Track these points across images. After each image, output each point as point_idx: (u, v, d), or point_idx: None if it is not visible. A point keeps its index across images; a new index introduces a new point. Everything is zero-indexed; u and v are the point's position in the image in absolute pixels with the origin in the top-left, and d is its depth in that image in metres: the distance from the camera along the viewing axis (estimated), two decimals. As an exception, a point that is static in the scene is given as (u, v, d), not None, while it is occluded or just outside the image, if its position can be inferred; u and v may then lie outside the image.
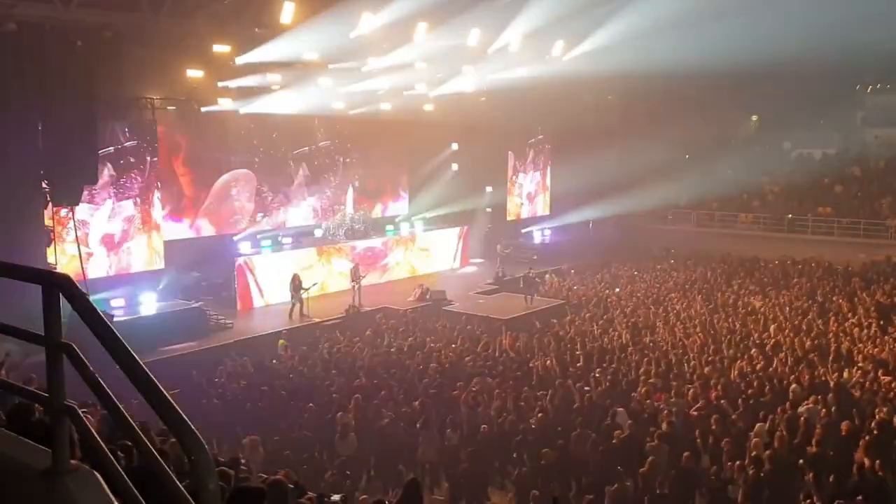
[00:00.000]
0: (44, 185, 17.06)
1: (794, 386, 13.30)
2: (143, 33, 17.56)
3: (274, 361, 16.81)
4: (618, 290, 24.18)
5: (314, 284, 22.39)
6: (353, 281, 23.04)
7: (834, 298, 21.10)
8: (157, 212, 21.31)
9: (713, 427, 11.73)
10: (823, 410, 12.20)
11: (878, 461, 9.94)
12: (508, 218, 33.18)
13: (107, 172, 19.57)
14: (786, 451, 10.76)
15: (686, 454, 10.79)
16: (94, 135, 17.09)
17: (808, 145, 37.89)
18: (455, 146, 30.87)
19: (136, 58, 17.66)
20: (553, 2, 19.49)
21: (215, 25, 18.87)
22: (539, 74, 24.23)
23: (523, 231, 32.61)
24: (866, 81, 37.67)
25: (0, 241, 14.98)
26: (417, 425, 12.50)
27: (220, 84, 20.81)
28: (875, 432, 11.03)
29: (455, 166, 30.84)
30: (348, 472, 11.47)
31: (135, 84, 19.03)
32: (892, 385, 13.35)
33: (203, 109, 21.21)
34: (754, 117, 40.34)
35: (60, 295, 2.72)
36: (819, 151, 36.92)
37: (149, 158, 20.76)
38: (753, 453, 10.74)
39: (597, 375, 14.58)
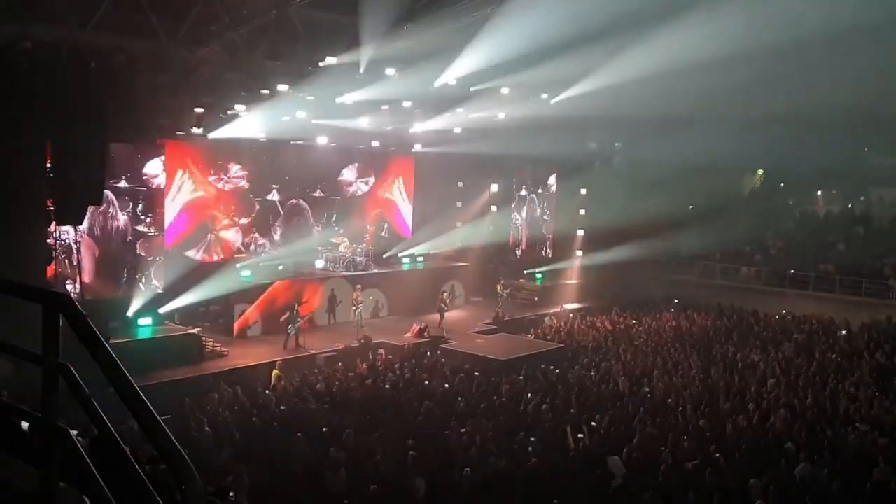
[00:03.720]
0: (48, 205, 17.14)
1: (789, 444, 13.17)
2: (156, 59, 17.71)
3: (267, 392, 16.67)
4: (610, 332, 24.14)
5: (309, 315, 22.53)
6: (355, 305, 23.27)
7: (833, 356, 20.95)
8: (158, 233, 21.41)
9: (707, 480, 11.60)
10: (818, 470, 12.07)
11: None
12: (510, 258, 33.22)
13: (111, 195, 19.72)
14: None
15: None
16: (101, 156, 17.17)
17: (812, 202, 38.04)
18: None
19: (149, 82, 17.83)
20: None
21: (229, 55, 19.05)
22: (542, 115, 24.40)
23: (525, 272, 32.52)
24: (872, 141, 37.86)
25: (1, 258, 14.97)
26: (408, 465, 12.34)
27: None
28: (871, 493, 10.93)
29: (459, 203, 30.94)
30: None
31: (146, 108, 19.18)
32: (889, 446, 13.22)
33: (210, 136, 21.36)
34: (760, 171, 40.50)
35: (61, 315, 2.69)
36: (823, 208, 37.01)
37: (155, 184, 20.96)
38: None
39: (592, 423, 14.45)
